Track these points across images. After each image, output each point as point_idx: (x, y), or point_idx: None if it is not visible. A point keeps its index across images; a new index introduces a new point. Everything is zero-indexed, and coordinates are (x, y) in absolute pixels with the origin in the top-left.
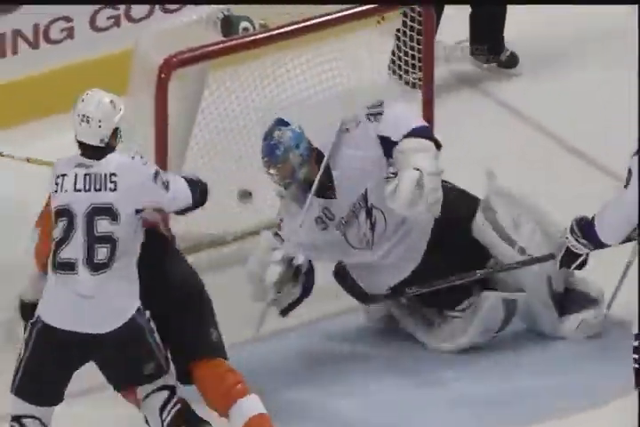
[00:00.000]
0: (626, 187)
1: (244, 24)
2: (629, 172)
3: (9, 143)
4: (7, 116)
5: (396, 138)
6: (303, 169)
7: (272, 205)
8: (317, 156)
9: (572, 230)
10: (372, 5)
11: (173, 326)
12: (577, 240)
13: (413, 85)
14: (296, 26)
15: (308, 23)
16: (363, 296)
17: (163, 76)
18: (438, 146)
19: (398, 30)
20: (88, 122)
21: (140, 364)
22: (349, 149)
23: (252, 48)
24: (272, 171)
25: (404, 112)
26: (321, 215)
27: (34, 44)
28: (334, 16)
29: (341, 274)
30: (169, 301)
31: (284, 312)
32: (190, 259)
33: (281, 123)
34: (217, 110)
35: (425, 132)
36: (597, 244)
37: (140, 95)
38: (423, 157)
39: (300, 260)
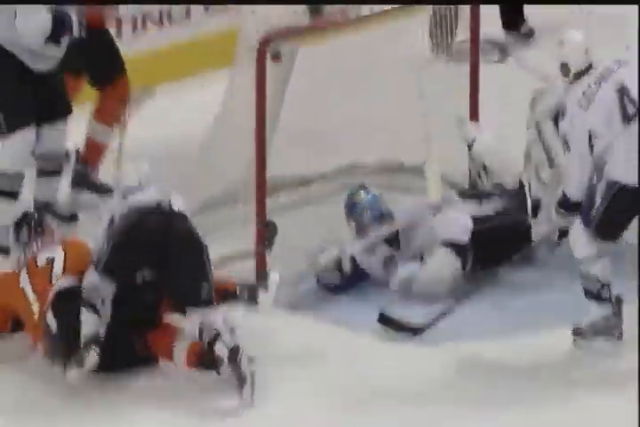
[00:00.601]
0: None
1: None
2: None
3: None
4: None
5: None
6: (373, 228)
7: (351, 151)
8: (392, 219)
9: (557, 212)
10: None
11: (171, 274)
12: (564, 217)
13: (441, 49)
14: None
15: (386, 7)
16: (412, 330)
17: (261, 49)
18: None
19: None
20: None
21: (198, 280)
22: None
23: (334, 29)
24: (349, 223)
25: (446, 222)
26: (388, 256)
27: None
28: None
29: (385, 318)
30: (171, 251)
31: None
32: (283, 198)
33: (363, 187)
34: (303, 85)
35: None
36: (574, 207)
37: (243, 71)
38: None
39: (345, 265)
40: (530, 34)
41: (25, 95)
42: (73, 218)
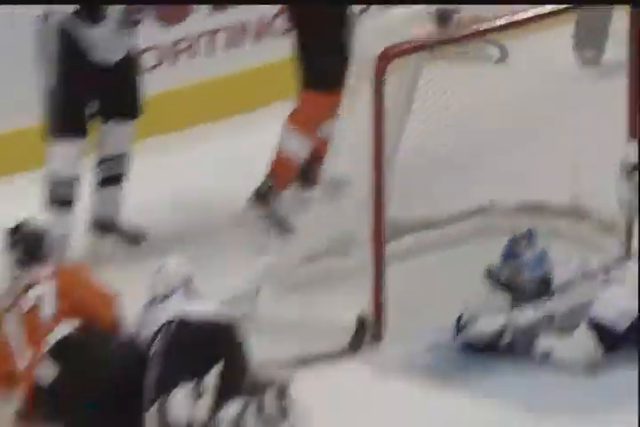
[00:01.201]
0: None
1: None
2: None
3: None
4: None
5: None
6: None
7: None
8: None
9: None
10: None
11: None
12: None
13: (588, 61)
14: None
15: (524, 16)
16: None
17: (380, 65)
18: None
19: None
20: None
21: None
22: None
23: (465, 40)
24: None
25: None
26: None
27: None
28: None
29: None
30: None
31: None
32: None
33: (529, 235)
34: (429, 102)
35: None
36: None
37: (359, 86)
38: None
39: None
40: None
41: (86, 87)
42: (139, 239)
